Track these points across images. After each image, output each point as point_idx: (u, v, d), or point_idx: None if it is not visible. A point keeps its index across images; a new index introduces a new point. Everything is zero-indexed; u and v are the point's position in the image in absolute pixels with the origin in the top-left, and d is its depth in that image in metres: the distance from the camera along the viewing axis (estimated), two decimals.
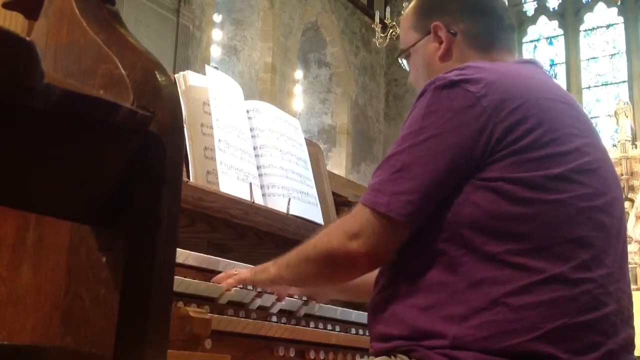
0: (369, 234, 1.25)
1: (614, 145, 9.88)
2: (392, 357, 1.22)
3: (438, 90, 1.24)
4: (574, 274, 1.18)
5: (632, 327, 1.27)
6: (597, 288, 1.20)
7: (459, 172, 1.21)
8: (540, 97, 1.26)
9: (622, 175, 9.13)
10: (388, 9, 9.92)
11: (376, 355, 1.26)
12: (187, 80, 1.91)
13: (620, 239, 1.29)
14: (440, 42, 1.45)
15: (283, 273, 1.48)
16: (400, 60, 1.60)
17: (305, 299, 1.77)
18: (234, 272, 1.62)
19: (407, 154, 1.24)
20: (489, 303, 1.16)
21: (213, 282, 1.60)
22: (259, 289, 1.65)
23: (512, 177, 1.19)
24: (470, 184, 1.21)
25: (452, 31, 1.44)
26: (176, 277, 1.38)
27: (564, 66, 11.73)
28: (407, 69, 1.58)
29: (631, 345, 1.25)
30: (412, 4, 1.55)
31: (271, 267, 1.52)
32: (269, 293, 1.65)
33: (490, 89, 1.22)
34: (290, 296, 1.74)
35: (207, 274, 1.66)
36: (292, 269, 1.45)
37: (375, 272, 1.36)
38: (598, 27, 11.89)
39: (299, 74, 11.15)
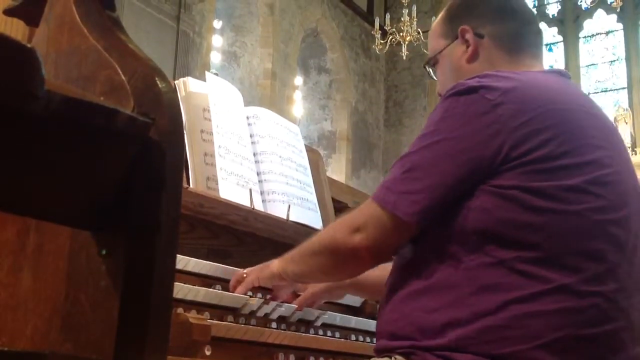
0: (372, 228, 1.27)
1: None
2: (393, 359, 1.22)
3: (456, 95, 1.26)
4: (582, 286, 1.17)
5: None
6: (607, 302, 1.18)
7: (468, 177, 1.22)
8: (560, 108, 1.25)
9: None
10: (388, 16, 9.95)
11: (378, 354, 1.27)
12: (187, 86, 1.91)
13: (636, 253, 1.27)
14: (468, 45, 1.46)
15: (287, 267, 1.50)
16: (427, 70, 1.60)
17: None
18: (243, 273, 1.63)
19: (418, 154, 1.26)
20: (495, 308, 1.15)
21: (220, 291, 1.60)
22: (259, 295, 1.66)
23: (526, 186, 1.19)
24: (482, 190, 1.21)
25: (479, 33, 1.45)
26: (176, 283, 1.38)
27: None
28: (435, 78, 1.58)
29: None
30: (440, 13, 1.56)
31: (276, 262, 1.54)
32: (279, 301, 1.66)
33: (507, 97, 1.22)
34: (310, 306, 1.75)
35: (207, 280, 1.66)
36: (296, 263, 1.47)
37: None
38: (597, 34, 11.90)
39: (298, 80, 11.17)
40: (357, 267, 1.37)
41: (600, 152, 1.26)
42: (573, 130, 1.24)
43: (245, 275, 1.61)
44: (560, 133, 1.22)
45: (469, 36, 1.46)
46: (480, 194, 1.21)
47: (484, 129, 1.21)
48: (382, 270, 1.41)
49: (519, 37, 1.45)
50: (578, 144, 1.23)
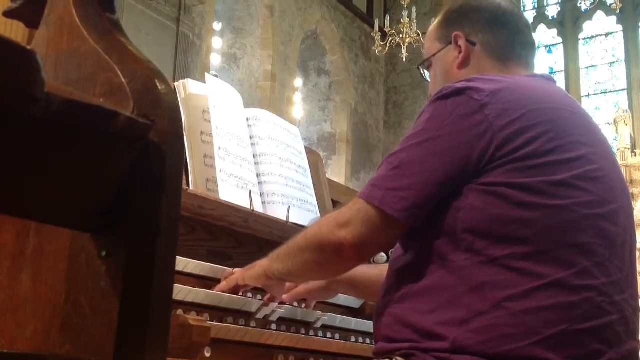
0: (358, 224, 1.27)
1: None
2: None
3: (444, 97, 1.28)
4: (575, 281, 1.18)
5: (637, 341, 1.26)
6: (600, 296, 1.20)
7: (456, 175, 1.24)
8: (546, 107, 1.28)
9: None
10: (387, 17, 9.95)
11: (377, 357, 1.28)
12: (187, 88, 1.92)
13: (626, 248, 1.29)
14: (460, 51, 1.49)
15: (273, 265, 1.49)
16: (421, 71, 1.63)
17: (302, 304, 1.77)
18: (231, 271, 1.62)
19: (406, 153, 1.28)
20: (489, 307, 1.16)
21: (214, 291, 1.60)
22: (259, 297, 1.65)
23: (514, 182, 1.21)
24: (471, 189, 1.23)
25: (471, 41, 1.48)
26: (176, 285, 1.38)
27: (563, 74, 11.73)
28: (428, 80, 1.61)
29: (634, 357, 1.24)
30: (438, 17, 1.60)
31: (263, 262, 1.53)
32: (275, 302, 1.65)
33: (494, 98, 1.25)
34: (307, 307, 1.74)
35: (206, 282, 1.65)
36: (282, 259, 1.46)
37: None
38: (597, 35, 11.90)
39: (298, 82, 11.17)
40: (340, 265, 1.37)
41: (585, 149, 1.28)
42: (559, 128, 1.27)
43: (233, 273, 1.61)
44: (546, 131, 1.24)
45: (461, 42, 1.49)
46: (469, 193, 1.23)
47: (471, 128, 1.23)
48: (379, 271, 1.41)
49: (510, 47, 1.48)
50: (564, 141, 1.26)
